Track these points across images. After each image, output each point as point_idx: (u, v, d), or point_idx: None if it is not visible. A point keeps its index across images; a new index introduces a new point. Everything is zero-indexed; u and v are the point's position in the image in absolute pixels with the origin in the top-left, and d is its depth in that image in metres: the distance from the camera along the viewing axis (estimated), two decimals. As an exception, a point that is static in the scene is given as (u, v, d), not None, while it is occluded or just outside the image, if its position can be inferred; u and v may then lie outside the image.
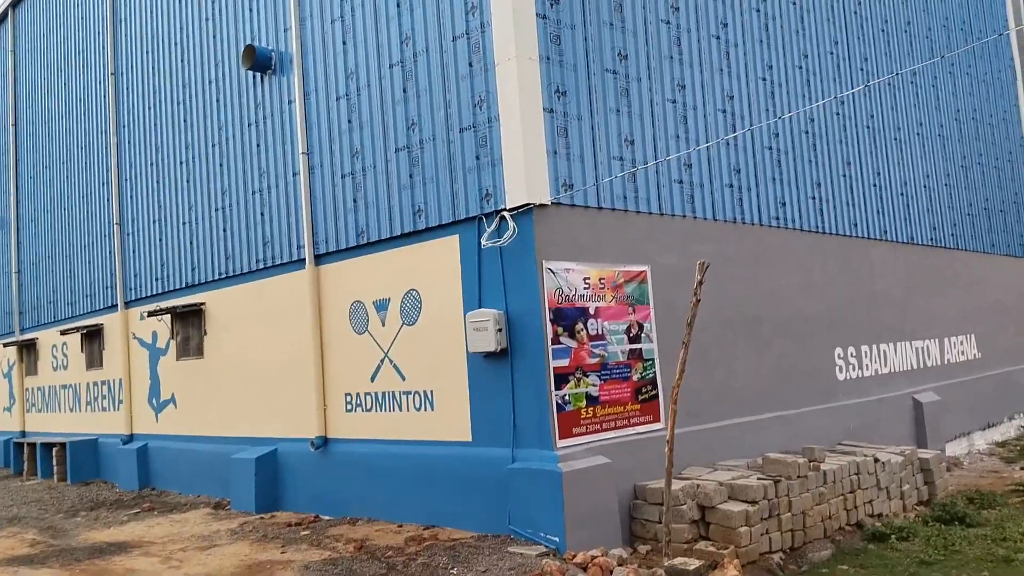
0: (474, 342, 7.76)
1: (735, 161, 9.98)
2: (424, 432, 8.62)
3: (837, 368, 11.40)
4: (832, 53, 12.13)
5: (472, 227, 8.01)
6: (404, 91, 8.72)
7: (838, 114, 12.11)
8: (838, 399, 11.24)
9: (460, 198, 8.11)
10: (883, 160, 13.07)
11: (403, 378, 8.87)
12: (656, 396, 8.44)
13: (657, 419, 8.43)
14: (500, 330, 7.60)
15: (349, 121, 9.44)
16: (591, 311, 7.88)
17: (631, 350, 8.23)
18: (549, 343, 7.46)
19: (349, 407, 9.54)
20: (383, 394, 9.11)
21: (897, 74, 13.27)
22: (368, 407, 9.30)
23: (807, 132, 11.38)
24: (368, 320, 9.29)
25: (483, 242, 7.77)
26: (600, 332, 7.93)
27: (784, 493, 7.98)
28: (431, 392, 8.55)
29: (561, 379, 7.53)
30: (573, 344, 7.67)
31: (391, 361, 9.01)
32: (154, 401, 13.27)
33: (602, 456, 7.65)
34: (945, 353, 14.17)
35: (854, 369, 11.73)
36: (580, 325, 7.75)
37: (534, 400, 7.51)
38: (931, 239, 14.17)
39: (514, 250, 7.61)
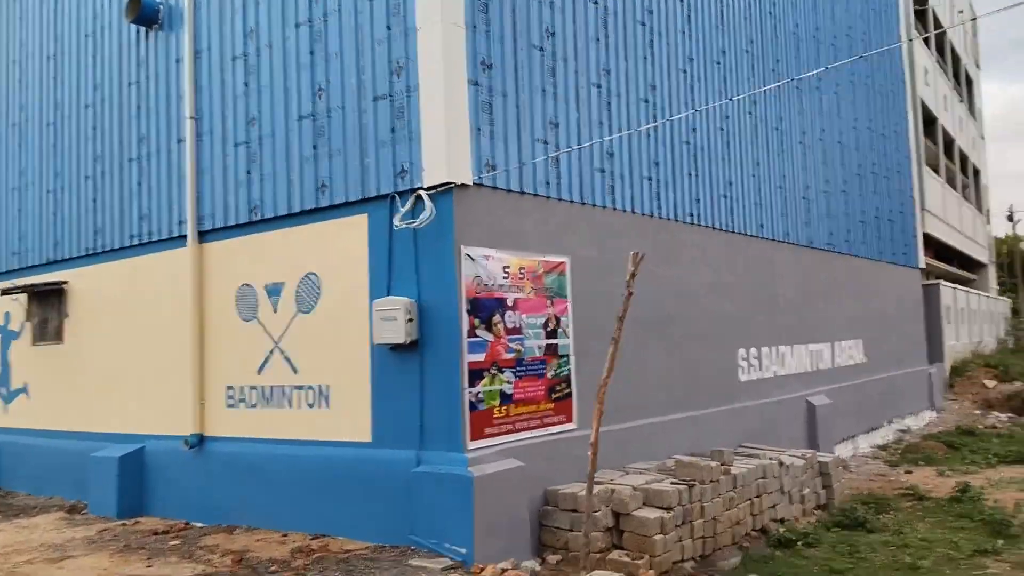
0: (381, 333, 7.07)
1: (654, 154, 9.66)
2: (317, 432, 7.84)
3: (740, 369, 11.31)
4: (748, 52, 12.03)
5: (383, 206, 7.30)
6: (311, 53, 7.89)
7: (750, 114, 12.03)
8: (740, 400, 11.14)
9: (371, 174, 7.38)
10: (788, 163, 13.13)
11: (295, 371, 8.06)
12: (570, 395, 7.98)
13: (569, 419, 7.97)
14: (411, 320, 6.94)
15: (246, 84, 8.52)
16: (509, 303, 7.32)
17: (547, 345, 7.73)
18: (465, 336, 6.86)
19: (231, 402, 8.63)
20: (271, 389, 8.26)
21: (802, 77, 13.36)
22: (253, 402, 8.42)
23: (722, 129, 11.22)
24: (257, 306, 8.41)
25: (396, 223, 7.07)
26: (518, 325, 7.39)
27: (697, 498, 7.68)
28: (327, 387, 7.79)
29: (475, 375, 6.93)
30: (490, 337, 7.09)
31: (282, 352, 8.18)
32: (4, 390, 11.82)
33: (514, 459, 7.11)
34: (835, 357, 14.43)
35: (755, 370, 11.69)
36: (498, 317, 7.18)
37: (445, 397, 6.89)
38: (828, 244, 14.40)
39: (430, 233, 6.96)
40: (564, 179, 8.15)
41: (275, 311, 8.24)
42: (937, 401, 19.02)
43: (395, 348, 7.13)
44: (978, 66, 33.45)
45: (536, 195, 7.79)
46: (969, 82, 31.29)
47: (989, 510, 9.13)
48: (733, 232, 11.28)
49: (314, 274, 7.89)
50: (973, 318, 25.54)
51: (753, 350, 11.63)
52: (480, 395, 6.96)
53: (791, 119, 13.33)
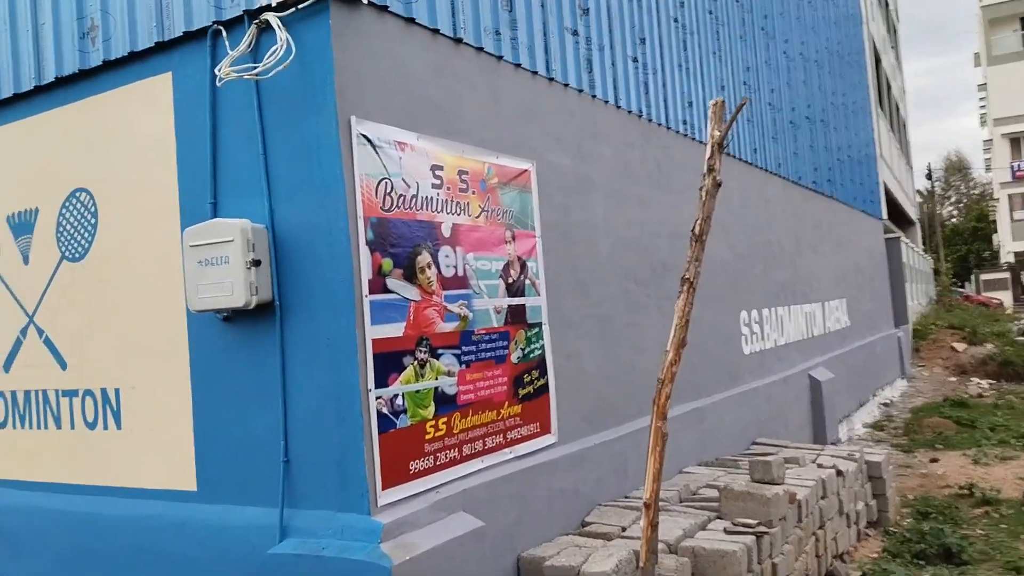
0: (199, 290, 3.67)
1: (639, 25, 6.53)
2: (100, 471, 4.39)
3: (743, 339, 8.40)
4: (733, -83, 9.03)
5: (198, 53, 3.88)
6: None
7: (738, 2, 9.06)
8: (745, 381, 8.23)
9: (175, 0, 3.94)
10: (775, 75, 10.27)
11: (63, 364, 4.57)
12: (545, 388, 4.79)
13: (547, 428, 4.79)
14: (256, 263, 3.57)
15: None
16: (445, 231, 4.04)
17: (509, 308, 4.50)
18: (365, 290, 3.54)
19: (-32, 420, 5.06)
20: (28, 395, 4.75)
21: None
22: None
23: (711, 12, 8.19)
24: None
25: (222, 73, 3.64)
26: (462, 271, 4.12)
27: (767, 553, 4.65)
28: (115, 392, 4.34)
29: (388, 364, 3.63)
30: (413, 294, 3.79)
31: (40, 331, 4.67)
32: None
33: (466, 513, 3.88)
34: (826, 320, 11.78)
35: (757, 340, 8.80)
36: (427, 256, 3.89)
37: (329, 408, 3.57)
38: (813, 182, 11.67)
39: (288, 91, 3.60)
40: (521, 32, 4.90)
41: (26, 261, 4.71)
42: (907, 368, 16.84)
43: (232, 317, 3.76)
44: (898, 17, 31.89)
45: (480, 50, 4.51)
46: (895, 31, 29.62)
47: None
48: (728, 154, 8.30)
49: (85, 191, 4.40)
50: (919, 277, 23.79)
51: (755, 312, 8.73)
52: (399, 401, 3.67)
53: (775, 22, 10.46)
